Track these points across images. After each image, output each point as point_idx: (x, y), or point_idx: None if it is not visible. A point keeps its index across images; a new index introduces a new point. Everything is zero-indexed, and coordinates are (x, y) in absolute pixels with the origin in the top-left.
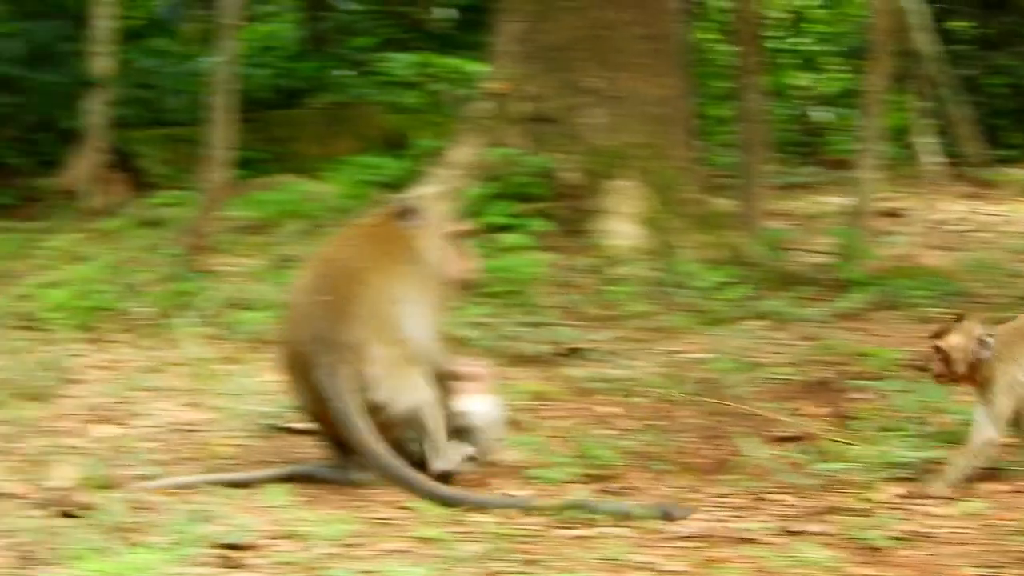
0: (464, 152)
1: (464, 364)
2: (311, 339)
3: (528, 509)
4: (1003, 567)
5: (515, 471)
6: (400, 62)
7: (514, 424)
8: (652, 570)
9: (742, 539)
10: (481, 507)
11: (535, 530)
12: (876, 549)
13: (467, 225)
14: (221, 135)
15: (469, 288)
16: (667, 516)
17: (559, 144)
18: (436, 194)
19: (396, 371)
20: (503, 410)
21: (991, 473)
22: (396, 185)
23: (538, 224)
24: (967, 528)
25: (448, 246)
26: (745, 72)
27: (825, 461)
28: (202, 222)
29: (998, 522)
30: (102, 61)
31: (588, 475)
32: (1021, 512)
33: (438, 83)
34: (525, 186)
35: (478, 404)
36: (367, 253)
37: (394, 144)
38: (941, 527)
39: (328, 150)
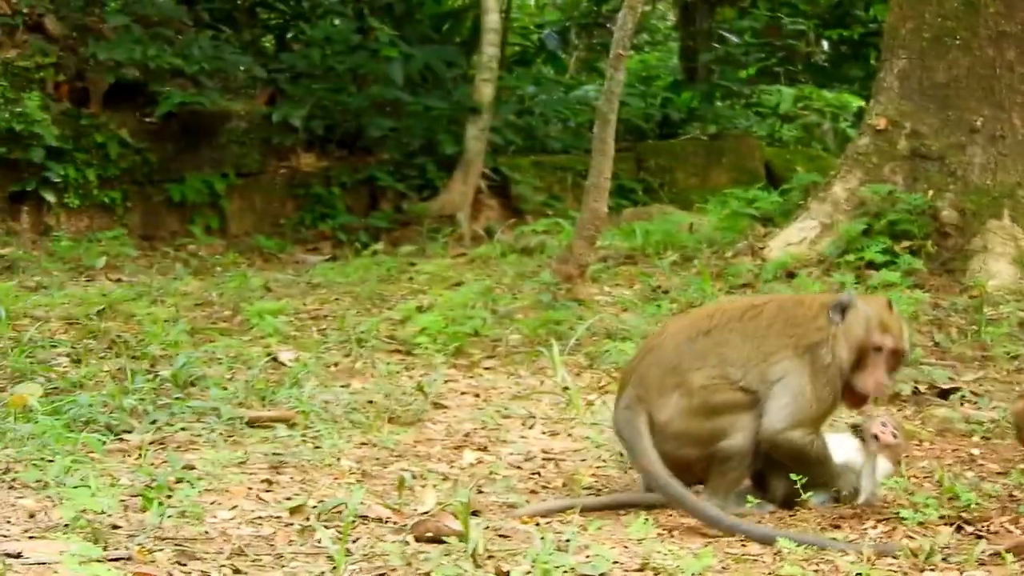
0: (842, 187)
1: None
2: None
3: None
4: None
5: (881, 511)
6: (781, 95)
7: None
8: None
9: None
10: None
11: (897, 570)
12: None
13: (893, 343)
14: (601, 165)
15: (867, 404)
16: None
17: (939, 182)
18: (877, 304)
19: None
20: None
21: None
22: (771, 219)
23: (913, 262)
24: None
25: (864, 357)
26: None
27: None
28: (577, 251)
29: None
30: (484, 88)
31: (952, 516)
32: None
33: (817, 116)
34: (902, 223)
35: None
36: (770, 319)
37: (772, 177)
38: None
39: (704, 181)
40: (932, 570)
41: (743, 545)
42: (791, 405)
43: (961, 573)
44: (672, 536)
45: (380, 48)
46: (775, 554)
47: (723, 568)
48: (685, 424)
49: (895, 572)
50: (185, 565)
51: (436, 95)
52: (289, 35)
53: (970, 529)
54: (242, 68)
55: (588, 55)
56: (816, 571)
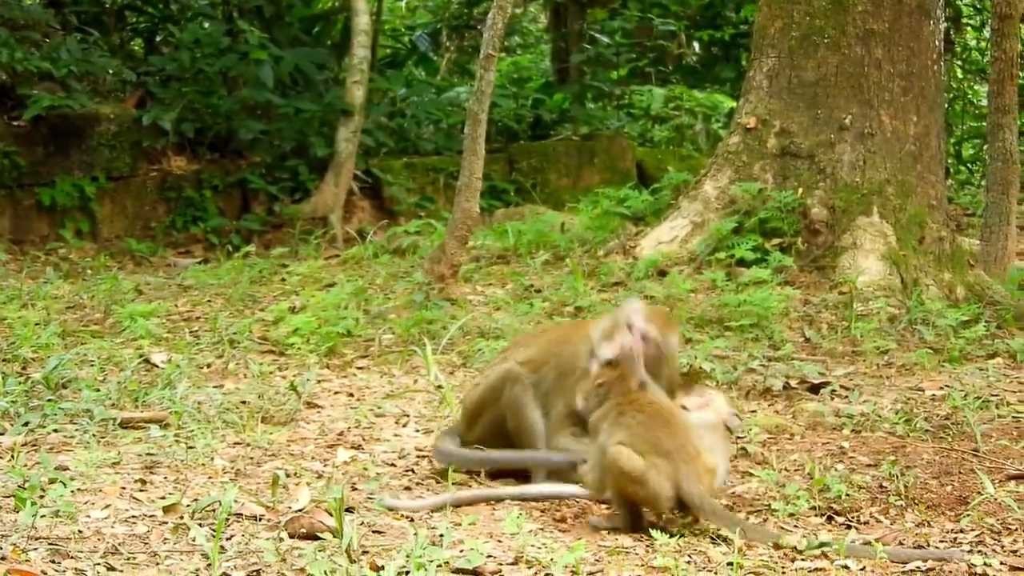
0: (713, 186)
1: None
2: None
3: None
4: None
5: (751, 502)
6: (652, 96)
7: (752, 457)
8: None
9: (975, 575)
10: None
11: (772, 562)
12: None
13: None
14: (472, 165)
15: None
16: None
17: (809, 179)
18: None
19: None
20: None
21: None
22: (643, 218)
23: (784, 259)
24: None
25: None
26: (999, 111)
27: None
28: (449, 251)
29: None
30: (355, 90)
31: (823, 508)
32: None
33: (687, 116)
34: (772, 221)
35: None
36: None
37: (643, 177)
38: None
39: (576, 181)
40: (803, 560)
41: (616, 538)
42: None
43: (832, 563)
44: (545, 530)
45: (250, 51)
46: (647, 546)
47: (596, 560)
48: None
49: (767, 563)
50: (59, 564)
51: (307, 97)
52: (158, 38)
53: (840, 520)
54: (111, 71)
55: (459, 57)
56: (689, 562)
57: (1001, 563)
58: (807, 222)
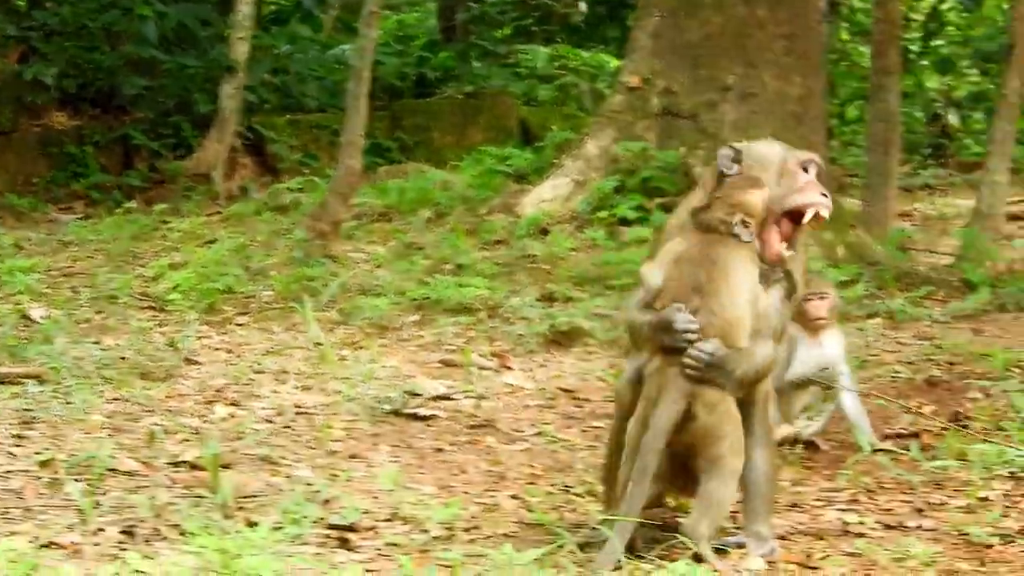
0: (595, 145)
1: None
2: None
3: None
4: None
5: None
6: (537, 55)
7: None
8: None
9: (848, 532)
10: None
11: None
12: (983, 546)
13: None
14: (354, 122)
15: None
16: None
17: (691, 139)
18: None
19: None
20: None
21: None
22: (525, 177)
23: (665, 218)
24: None
25: None
26: (881, 72)
27: (938, 459)
28: (331, 208)
29: None
30: (240, 46)
31: None
32: None
33: (572, 76)
34: (655, 180)
35: None
36: None
37: (527, 136)
38: None
39: (460, 140)
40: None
41: (492, 496)
42: None
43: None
44: (421, 486)
45: (134, 6)
46: (522, 504)
47: (472, 517)
48: None
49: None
50: None
51: (191, 54)
52: None
53: None
54: None
55: (344, 14)
56: (563, 519)
57: (876, 522)
58: (689, 182)
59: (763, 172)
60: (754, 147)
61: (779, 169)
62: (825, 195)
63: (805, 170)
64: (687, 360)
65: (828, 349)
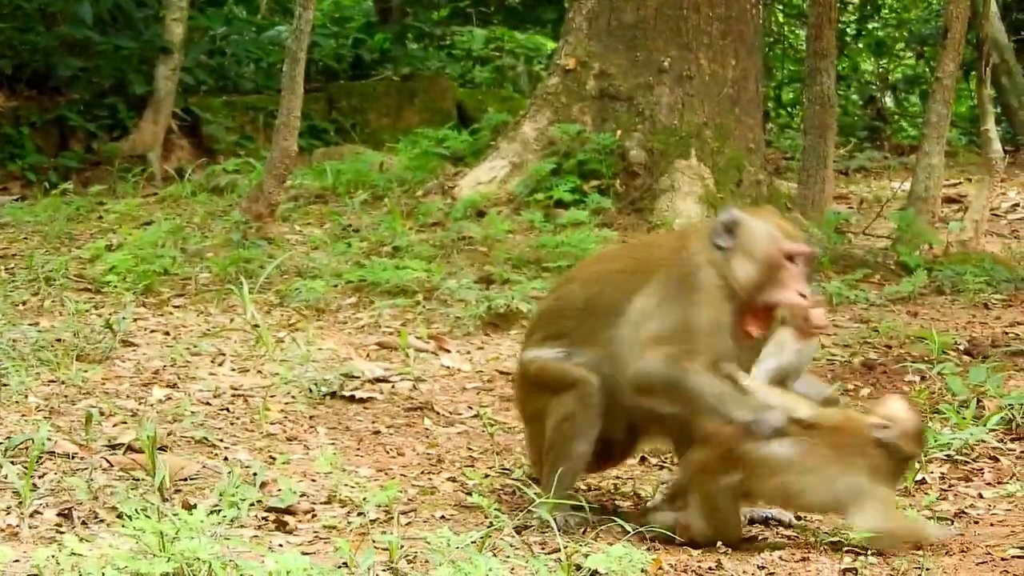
0: (532, 127)
1: None
2: None
3: None
4: None
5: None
6: (473, 37)
7: None
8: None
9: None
10: None
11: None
12: None
13: (806, 248)
14: (290, 104)
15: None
16: None
17: (627, 122)
18: (767, 213)
19: None
20: None
21: None
22: (462, 159)
23: (602, 201)
24: (1009, 510)
25: (775, 271)
26: (817, 55)
27: None
28: (267, 190)
29: None
30: (175, 27)
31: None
32: None
33: (509, 58)
34: (591, 163)
35: None
36: (614, 271)
37: (464, 118)
38: (984, 508)
39: (397, 122)
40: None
41: (430, 479)
42: (642, 332)
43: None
44: (359, 469)
45: None
46: (461, 487)
47: (410, 500)
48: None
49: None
50: None
51: (126, 35)
52: None
53: (654, 460)
54: None
55: None
56: (502, 502)
57: None
58: (625, 164)
59: (752, 255)
60: (751, 225)
61: (768, 258)
62: (805, 295)
63: (792, 261)
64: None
65: (809, 349)
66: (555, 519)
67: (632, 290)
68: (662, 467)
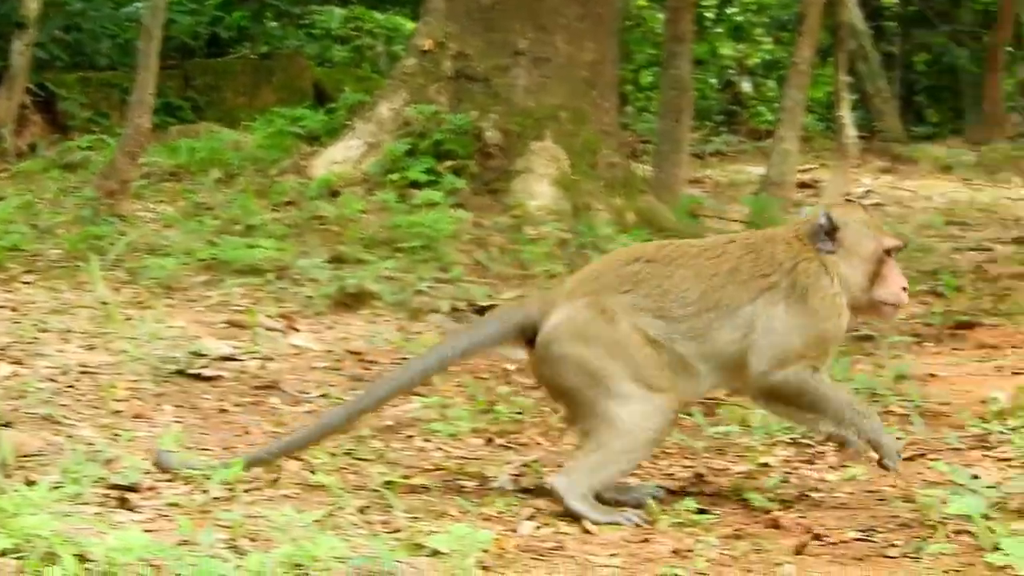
0: (387, 107)
1: None
2: None
3: None
4: (879, 530)
5: (415, 424)
6: (332, 16)
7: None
8: (535, 520)
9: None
10: None
11: (421, 484)
12: (763, 512)
13: (900, 240)
14: (145, 81)
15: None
16: None
17: (483, 103)
18: (853, 209)
19: None
20: None
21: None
22: (318, 138)
23: (457, 182)
24: (849, 492)
25: (880, 266)
26: (674, 39)
27: (721, 424)
28: (119, 167)
29: (875, 488)
30: (31, 2)
31: (486, 430)
32: (895, 477)
33: (368, 38)
34: (447, 143)
35: None
36: (734, 263)
37: (321, 97)
38: (825, 491)
39: (253, 101)
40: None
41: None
42: (777, 345)
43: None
44: (206, 448)
45: None
46: (305, 466)
47: (255, 478)
48: (566, 346)
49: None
50: None
51: None
52: None
53: (500, 441)
54: None
55: None
56: (345, 481)
57: (658, 486)
58: (481, 145)
59: (858, 256)
60: (852, 226)
61: (873, 256)
62: (905, 288)
63: (890, 255)
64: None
65: None
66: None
67: (754, 293)
68: (508, 447)
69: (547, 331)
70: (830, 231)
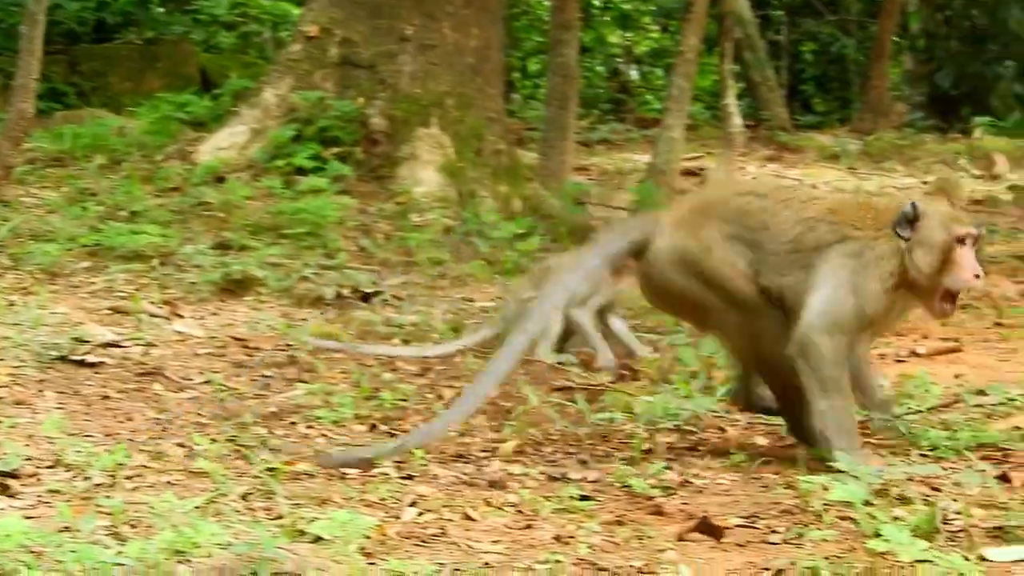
0: (273, 93)
1: None
2: None
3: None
4: (761, 517)
5: (299, 411)
6: (219, 2)
7: (300, 365)
8: (417, 506)
9: (502, 483)
10: None
11: (304, 471)
12: (645, 498)
13: (975, 229)
14: (28, 65)
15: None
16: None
17: (369, 89)
18: (938, 198)
19: None
20: None
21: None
22: (204, 124)
23: (342, 168)
24: (732, 479)
25: (950, 254)
26: (561, 27)
27: (604, 411)
28: (2, 152)
29: (759, 474)
30: None
31: (370, 417)
32: (778, 464)
33: (255, 24)
34: (332, 130)
35: None
36: (830, 210)
37: (207, 83)
38: (709, 478)
39: (140, 86)
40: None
41: (157, 443)
42: (833, 309)
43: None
44: (88, 435)
45: None
46: (188, 452)
47: (137, 465)
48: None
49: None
50: None
51: None
52: None
53: (384, 428)
54: None
55: None
56: (228, 468)
57: (540, 473)
58: (366, 132)
59: (931, 245)
60: (930, 216)
61: (944, 245)
62: (979, 276)
63: (963, 243)
64: None
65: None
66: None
67: (835, 239)
68: (392, 434)
69: (650, 256)
70: (912, 220)
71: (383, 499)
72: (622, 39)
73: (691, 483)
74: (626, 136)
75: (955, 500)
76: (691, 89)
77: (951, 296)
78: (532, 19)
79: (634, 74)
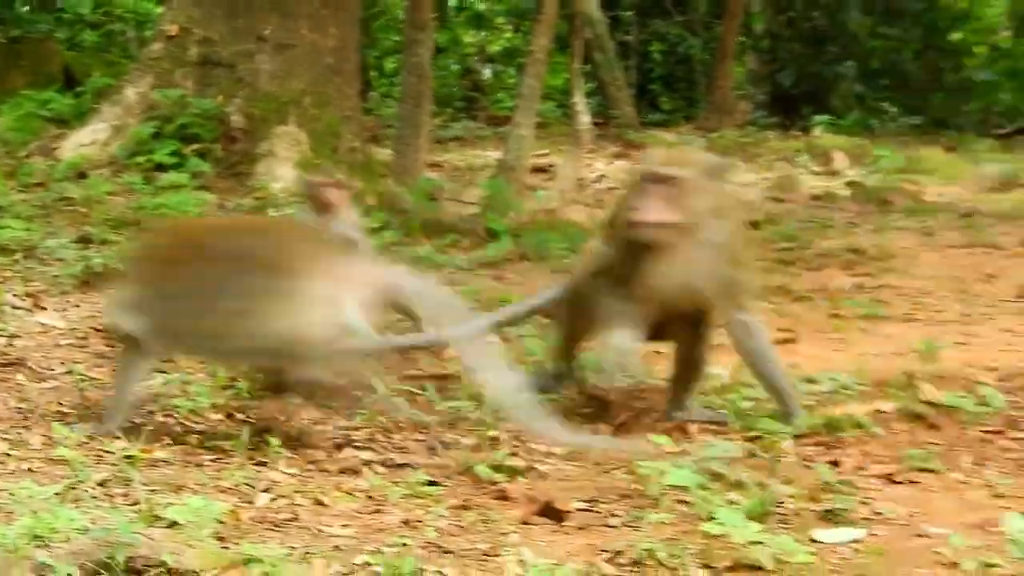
0: (134, 91)
1: None
2: None
3: None
4: (602, 501)
5: (156, 399)
6: (83, 1)
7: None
8: (270, 492)
9: (353, 469)
10: None
11: (161, 458)
12: (489, 483)
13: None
14: None
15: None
16: None
17: (228, 88)
18: None
19: None
20: None
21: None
22: (67, 121)
23: (201, 164)
24: (575, 465)
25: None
26: (415, 27)
27: (453, 400)
28: None
29: (600, 460)
30: None
31: (227, 406)
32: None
33: (119, 23)
34: (192, 127)
35: None
36: None
37: (71, 81)
38: (551, 464)
39: (3, 84)
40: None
41: (19, 433)
42: None
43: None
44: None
45: None
46: (49, 441)
47: (7, 453)
48: None
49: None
50: None
51: None
52: None
53: (240, 416)
54: None
55: None
56: (87, 455)
57: (389, 459)
58: (225, 129)
59: None
60: None
61: None
62: None
63: None
64: None
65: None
66: None
67: None
68: (248, 422)
69: None
70: None
71: (237, 485)
72: (476, 39)
73: (535, 469)
74: (478, 133)
75: (786, 484)
76: (541, 88)
77: None
78: (389, 19)
79: (487, 73)
